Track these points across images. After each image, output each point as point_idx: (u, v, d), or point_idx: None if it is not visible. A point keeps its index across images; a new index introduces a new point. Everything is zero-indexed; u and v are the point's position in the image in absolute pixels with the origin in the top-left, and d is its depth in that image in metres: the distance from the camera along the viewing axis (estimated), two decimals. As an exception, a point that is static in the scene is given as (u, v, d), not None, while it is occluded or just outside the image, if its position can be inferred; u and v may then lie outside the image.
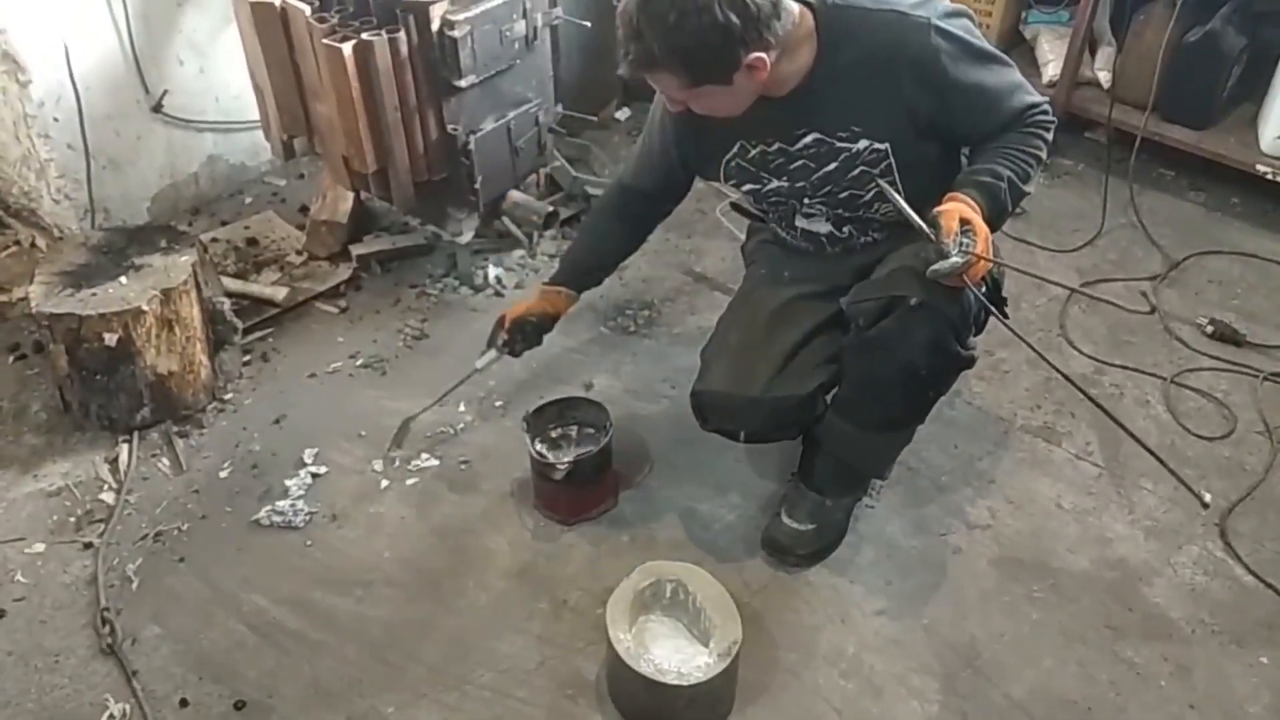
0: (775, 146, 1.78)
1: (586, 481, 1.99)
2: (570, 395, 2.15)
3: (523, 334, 2.05)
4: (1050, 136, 1.73)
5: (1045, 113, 1.73)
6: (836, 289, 1.84)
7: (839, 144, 1.74)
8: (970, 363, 1.79)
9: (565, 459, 1.97)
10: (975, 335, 1.79)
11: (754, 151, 1.81)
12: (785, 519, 1.96)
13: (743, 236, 2.19)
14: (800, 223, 1.91)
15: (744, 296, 2.00)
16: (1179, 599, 1.91)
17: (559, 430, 2.07)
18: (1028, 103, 1.72)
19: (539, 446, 2.00)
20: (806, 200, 1.85)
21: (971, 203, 1.61)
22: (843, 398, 1.86)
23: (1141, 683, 1.78)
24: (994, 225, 1.63)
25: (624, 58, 1.59)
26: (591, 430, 2.06)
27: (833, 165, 1.76)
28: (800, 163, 1.78)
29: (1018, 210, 1.90)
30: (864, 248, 1.90)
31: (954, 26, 1.64)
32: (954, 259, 1.54)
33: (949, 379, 1.83)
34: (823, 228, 1.90)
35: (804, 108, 1.71)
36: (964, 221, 1.57)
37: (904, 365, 1.71)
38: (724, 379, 1.85)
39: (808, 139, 1.75)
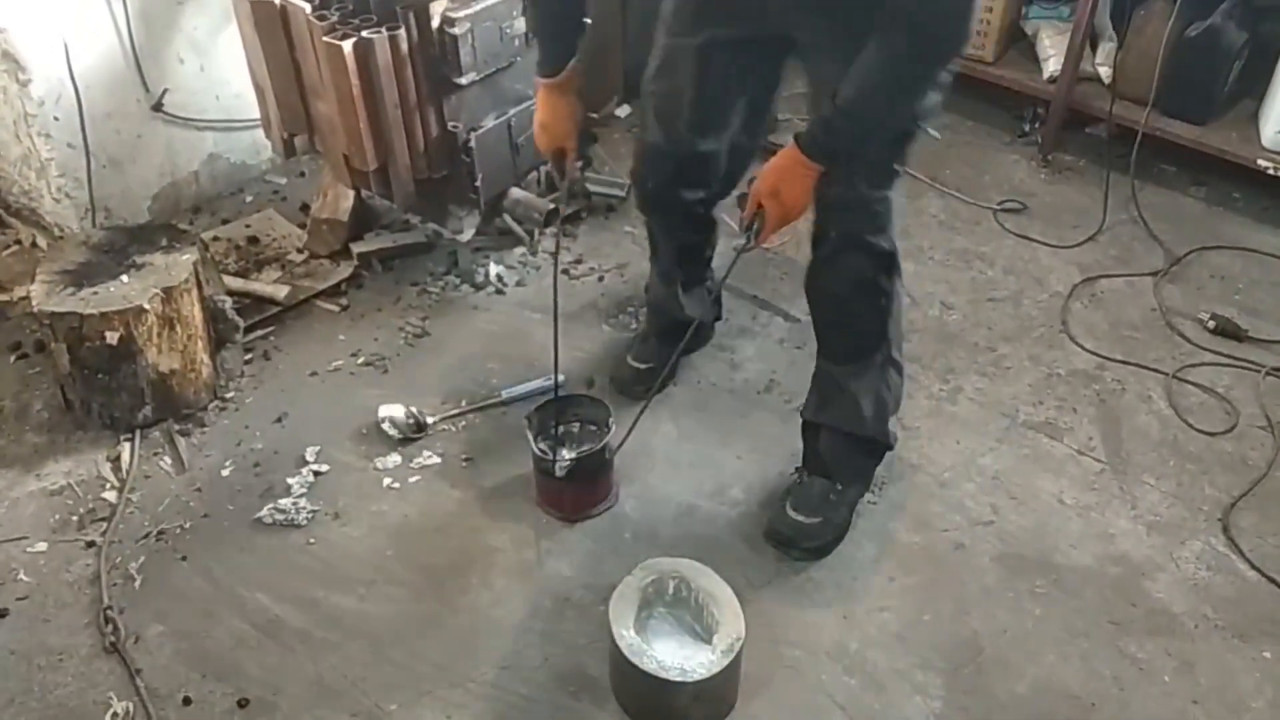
0: None
1: (588, 479, 1.99)
2: (572, 393, 2.15)
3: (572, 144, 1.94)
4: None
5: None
6: (752, 38, 1.77)
7: None
8: (890, 258, 1.84)
9: (567, 456, 1.97)
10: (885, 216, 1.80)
11: None
12: (790, 512, 1.96)
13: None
14: None
15: (663, 53, 1.90)
16: (1182, 594, 1.91)
17: (561, 428, 2.07)
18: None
19: (541, 444, 2.00)
20: None
21: (792, 161, 1.61)
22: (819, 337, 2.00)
23: (1145, 678, 1.78)
24: (836, 158, 1.62)
25: None
26: (593, 427, 2.06)
27: None
28: None
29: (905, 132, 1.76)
30: None
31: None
32: (740, 242, 1.73)
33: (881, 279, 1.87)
34: None
35: None
36: (760, 206, 1.67)
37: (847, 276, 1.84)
38: (654, 133, 1.95)
39: None
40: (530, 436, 1.98)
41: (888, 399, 1.96)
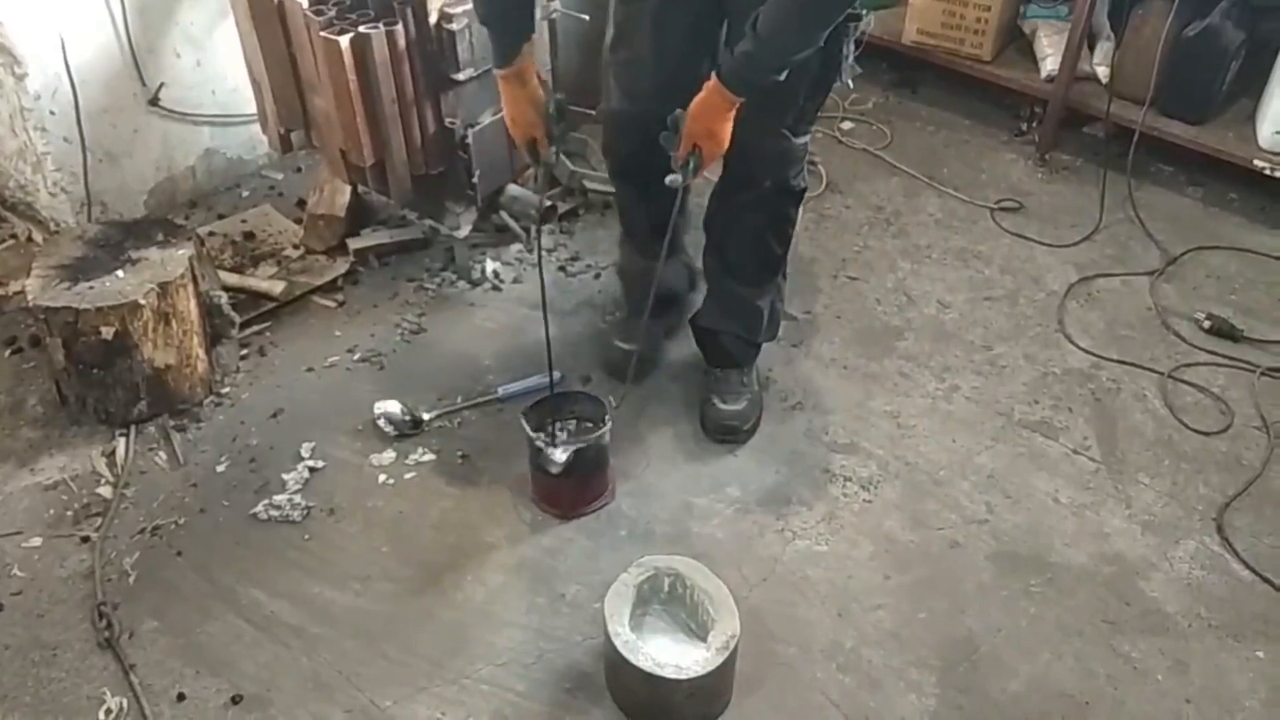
0: None
1: (585, 475, 1.99)
2: (569, 389, 2.15)
3: (554, 128, 1.92)
4: None
5: None
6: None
7: None
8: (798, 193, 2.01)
9: (564, 453, 1.97)
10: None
11: None
12: (721, 405, 2.16)
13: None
14: None
15: (619, 21, 1.96)
16: (1176, 593, 1.91)
17: (558, 424, 2.06)
18: None
19: (538, 440, 2.00)
20: None
21: (718, 98, 1.67)
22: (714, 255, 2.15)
23: (1139, 677, 1.79)
24: (755, 89, 1.67)
25: None
26: (590, 424, 2.05)
27: None
28: None
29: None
30: None
31: None
32: (676, 177, 1.78)
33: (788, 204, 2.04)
34: None
35: None
36: (695, 147, 1.73)
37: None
38: (620, 100, 1.99)
39: None
40: (527, 429, 1.98)
41: (779, 306, 2.21)
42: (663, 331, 2.35)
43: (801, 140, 1.93)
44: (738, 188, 2.01)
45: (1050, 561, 1.96)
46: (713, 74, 1.68)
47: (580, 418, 2.07)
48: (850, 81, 1.89)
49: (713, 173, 1.96)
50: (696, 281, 2.40)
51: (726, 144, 1.75)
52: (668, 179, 1.80)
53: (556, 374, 2.24)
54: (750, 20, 1.61)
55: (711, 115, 1.71)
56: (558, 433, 2.05)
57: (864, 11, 1.81)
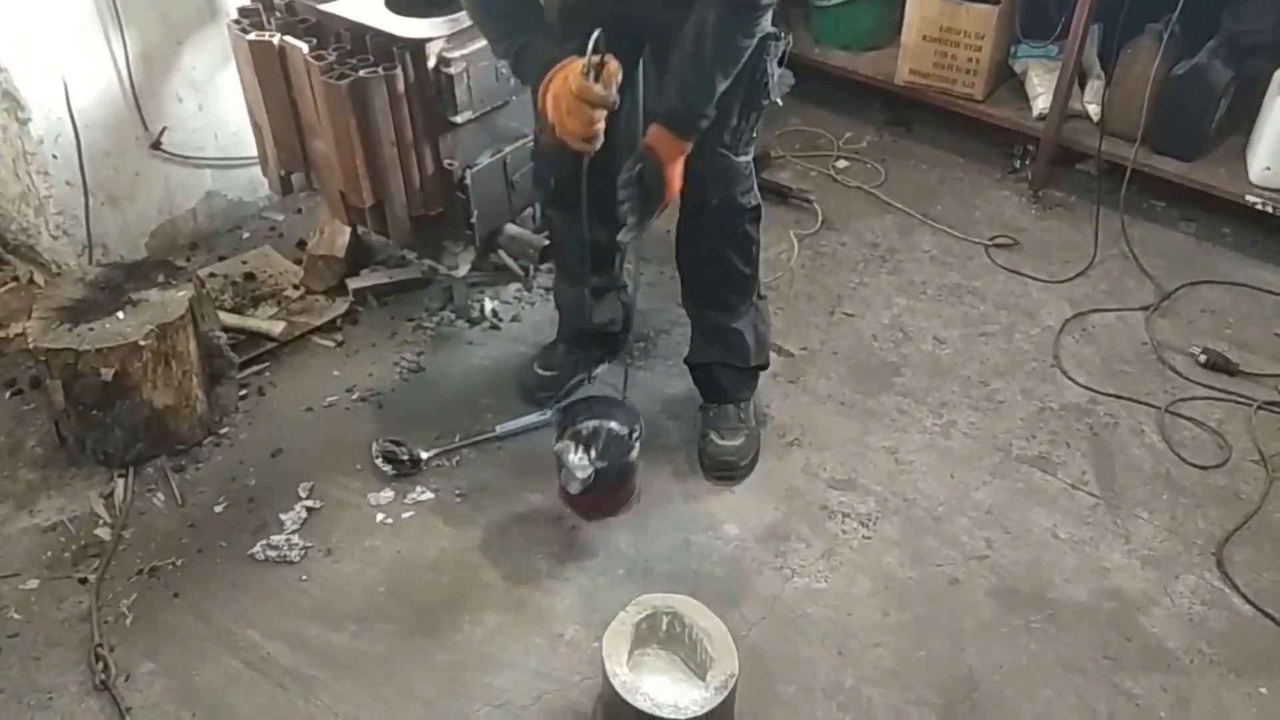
0: None
1: (609, 486, 2.00)
2: (601, 394, 2.19)
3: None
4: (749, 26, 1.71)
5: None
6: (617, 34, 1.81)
7: None
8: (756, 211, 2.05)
9: (589, 461, 1.94)
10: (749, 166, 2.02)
11: None
12: (719, 440, 2.16)
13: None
14: None
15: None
16: (1177, 629, 1.91)
17: (588, 425, 2.03)
18: None
19: (565, 444, 1.96)
20: None
21: (671, 146, 1.79)
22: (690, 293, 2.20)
23: (1141, 714, 1.77)
24: (701, 126, 1.79)
25: None
26: (616, 429, 2.02)
27: None
28: None
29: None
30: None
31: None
32: (631, 233, 1.92)
33: (746, 226, 2.07)
34: None
35: None
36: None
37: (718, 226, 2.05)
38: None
39: None
40: (554, 437, 1.99)
41: (764, 330, 2.23)
42: (586, 363, 2.36)
43: (742, 159, 2.00)
44: (692, 212, 2.07)
45: (1050, 597, 1.96)
46: (654, 125, 1.77)
47: (607, 419, 2.03)
48: (779, 99, 1.98)
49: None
50: (631, 320, 2.45)
51: (677, 188, 1.85)
52: (620, 236, 1.92)
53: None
54: (669, 66, 1.70)
55: (671, 164, 1.81)
56: (586, 436, 2.01)
57: (781, 33, 1.88)
